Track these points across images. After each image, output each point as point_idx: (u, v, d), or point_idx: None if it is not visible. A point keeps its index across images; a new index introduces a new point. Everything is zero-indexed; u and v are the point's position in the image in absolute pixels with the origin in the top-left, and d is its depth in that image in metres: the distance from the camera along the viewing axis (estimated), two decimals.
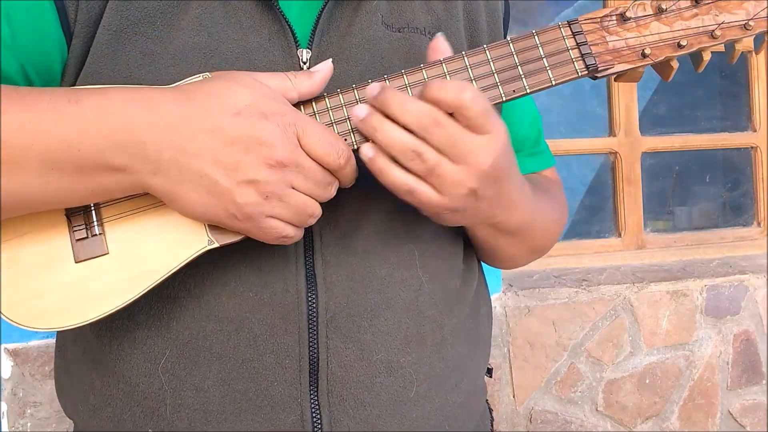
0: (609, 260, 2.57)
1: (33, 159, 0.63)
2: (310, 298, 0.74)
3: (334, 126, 0.70)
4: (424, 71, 0.71)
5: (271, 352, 0.73)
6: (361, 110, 0.67)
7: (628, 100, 2.62)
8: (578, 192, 2.97)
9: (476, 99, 0.65)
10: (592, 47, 0.72)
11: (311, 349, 0.74)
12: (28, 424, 1.92)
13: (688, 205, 2.99)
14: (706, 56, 0.73)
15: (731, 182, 2.99)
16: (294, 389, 0.74)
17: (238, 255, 0.73)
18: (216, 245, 0.68)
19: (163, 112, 0.64)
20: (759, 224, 2.80)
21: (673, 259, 2.62)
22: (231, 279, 0.74)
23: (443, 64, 0.71)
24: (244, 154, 0.63)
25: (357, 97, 0.70)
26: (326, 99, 0.70)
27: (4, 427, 1.90)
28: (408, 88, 0.70)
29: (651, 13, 0.73)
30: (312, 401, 0.74)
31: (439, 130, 0.65)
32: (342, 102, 0.70)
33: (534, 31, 0.72)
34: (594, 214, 2.82)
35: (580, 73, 0.73)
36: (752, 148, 2.82)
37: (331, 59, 0.71)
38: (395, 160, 0.66)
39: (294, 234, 0.67)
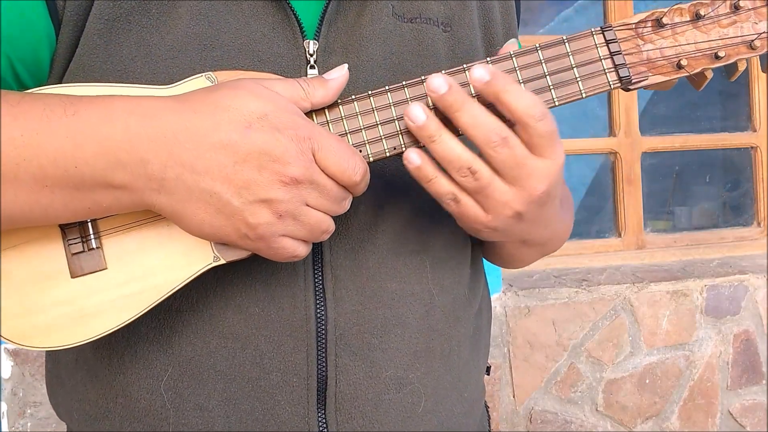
0: (609, 260, 2.57)
1: (23, 175, 0.59)
2: (318, 315, 0.71)
3: (348, 136, 0.66)
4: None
5: (277, 371, 0.71)
6: (418, 115, 0.63)
7: (628, 100, 2.62)
8: (578, 192, 2.96)
9: (548, 120, 0.62)
10: (626, 56, 0.67)
11: (320, 367, 0.71)
12: (28, 424, 1.92)
13: (688, 205, 2.99)
14: (741, 66, 0.69)
15: (731, 182, 2.99)
16: (301, 408, 0.71)
17: (243, 268, 0.70)
18: (222, 262, 0.65)
19: (168, 125, 0.59)
20: (759, 224, 2.80)
21: (673, 259, 2.62)
22: (236, 294, 0.70)
23: (465, 72, 0.66)
24: (257, 172, 0.59)
25: (373, 106, 0.66)
26: (340, 107, 0.66)
27: (4, 427, 1.90)
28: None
29: (688, 19, 0.67)
30: (320, 420, 0.72)
31: (506, 150, 0.62)
32: (357, 110, 0.66)
33: (564, 38, 0.67)
34: (594, 214, 2.82)
35: (612, 86, 0.68)
36: (752, 148, 2.82)
37: (346, 65, 0.67)
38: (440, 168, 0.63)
39: (305, 252, 0.64)
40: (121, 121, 0.60)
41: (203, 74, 0.66)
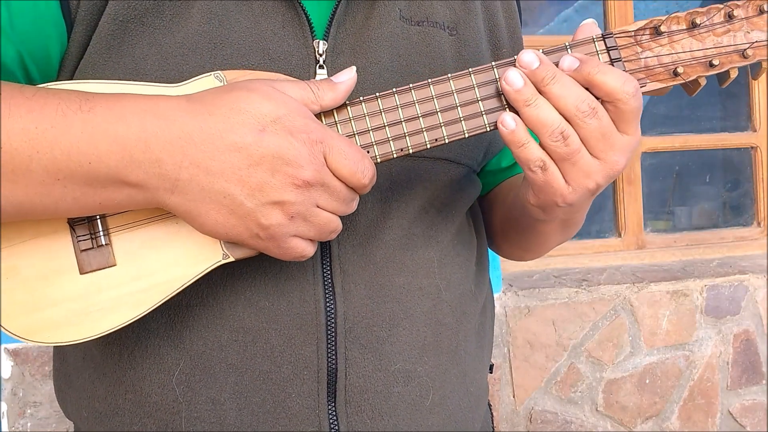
0: (609, 260, 2.57)
1: (36, 168, 0.60)
2: (328, 308, 0.72)
3: (356, 137, 0.67)
4: (451, 81, 0.68)
5: (288, 364, 0.72)
6: (516, 80, 0.65)
7: None
8: None
9: (637, 96, 0.64)
10: (625, 64, 0.69)
11: (330, 359, 0.72)
12: (28, 424, 1.92)
13: (688, 205, 2.99)
14: (733, 74, 0.71)
15: (731, 182, 2.99)
16: (312, 400, 0.72)
17: (252, 263, 0.71)
18: (231, 260, 0.66)
19: (183, 126, 0.60)
20: (759, 224, 2.80)
21: (673, 259, 2.63)
22: (246, 288, 0.71)
23: (471, 75, 0.68)
24: (270, 174, 0.60)
25: (380, 107, 0.67)
26: (348, 108, 0.67)
27: (4, 427, 1.90)
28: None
29: (685, 27, 0.69)
30: (330, 412, 0.73)
31: (595, 120, 0.64)
32: (365, 112, 0.67)
33: (567, 44, 0.69)
34: (594, 214, 2.82)
35: None
36: (752, 148, 2.82)
37: (354, 67, 0.68)
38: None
39: (312, 251, 0.66)
40: (136, 120, 0.60)
41: (212, 73, 0.66)
